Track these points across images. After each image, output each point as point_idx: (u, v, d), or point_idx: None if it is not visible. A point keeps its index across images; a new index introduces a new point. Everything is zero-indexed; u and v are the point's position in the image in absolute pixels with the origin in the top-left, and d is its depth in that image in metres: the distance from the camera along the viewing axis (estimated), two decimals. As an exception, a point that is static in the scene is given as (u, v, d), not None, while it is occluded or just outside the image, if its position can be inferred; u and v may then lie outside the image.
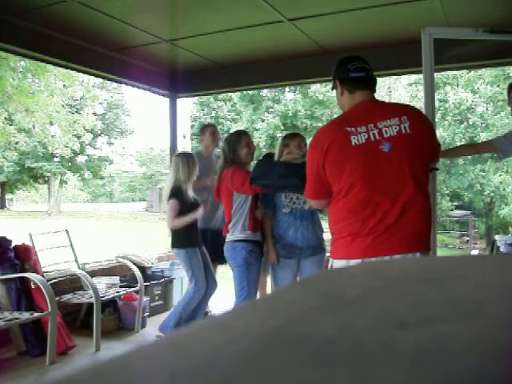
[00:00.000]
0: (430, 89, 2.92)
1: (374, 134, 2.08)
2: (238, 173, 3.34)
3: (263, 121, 19.39)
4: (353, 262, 2.05)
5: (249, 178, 3.20)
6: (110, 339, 3.99)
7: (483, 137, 18.79)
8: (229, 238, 3.44)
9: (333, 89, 2.36)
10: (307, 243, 3.26)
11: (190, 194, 3.93)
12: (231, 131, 3.85)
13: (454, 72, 18.19)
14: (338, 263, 2.16)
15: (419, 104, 18.50)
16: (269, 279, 4.61)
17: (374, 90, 2.29)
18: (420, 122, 2.16)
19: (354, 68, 2.23)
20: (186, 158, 4.02)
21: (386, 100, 21.81)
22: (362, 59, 2.28)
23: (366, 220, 2.06)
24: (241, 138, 3.55)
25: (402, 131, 2.08)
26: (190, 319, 3.90)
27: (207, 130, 4.72)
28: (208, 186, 4.17)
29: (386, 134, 2.07)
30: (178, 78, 5.51)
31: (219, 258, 3.85)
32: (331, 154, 2.10)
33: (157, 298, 4.85)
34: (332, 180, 2.14)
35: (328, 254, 2.78)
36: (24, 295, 3.72)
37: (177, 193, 3.88)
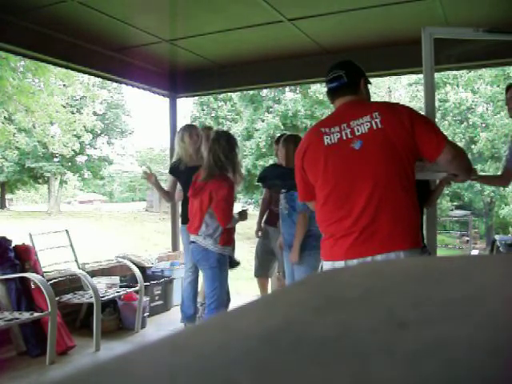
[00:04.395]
0: (430, 89, 2.92)
1: (346, 133, 2.09)
2: (230, 194, 3.32)
3: (263, 121, 19.38)
4: (337, 264, 2.06)
5: (232, 209, 3.36)
6: (109, 339, 4.00)
7: (483, 137, 18.81)
8: (200, 242, 3.40)
9: None
10: (287, 242, 3.60)
11: (188, 166, 3.92)
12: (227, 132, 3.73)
13: (454, 72, 18.19)
14: (326, 264, 2.18)
15: (419, 104, 18.50)
16: (269, 280, 4.62)
17: (357, 92, 2.25)
18: (392, 115, 2.08)
19: (328, 80, 2.26)
20: (184, 130, 4.07)
21: (386, 100, 21.81)
22: (340, 65, 2.27)
23: (343, 220, 2.05)
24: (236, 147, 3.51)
25: (374, 127, 2.04)
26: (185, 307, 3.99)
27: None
28: None
29: (358, 131, 2.07)
30: (178, 78, 5.51)
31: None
32: (307, 156, 2.17)
33: (157, 298, 4.85)
34: (312, 181, 2.19)
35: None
36: (24, 295, 3.72)
37: (172, 169, 4.06)
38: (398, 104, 2.27)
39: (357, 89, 2.26)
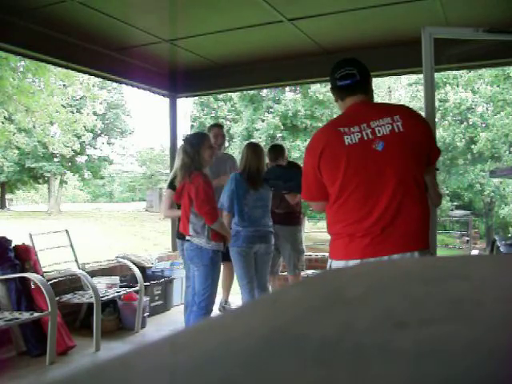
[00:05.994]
0: (430, 89, 2.92)
1: (366, 133, 2.08)
2: (206, 191, 3.28)
3: (263, 121, 19.38)
4: (352, 263, 2.05)
5: (214, 205, 3.33)
6: (109, 339, 3.99)
7: (483, 137, 18.81)
8: (194, 240, 3.38)
9: None
10: None
11: None
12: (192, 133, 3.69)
13: (454, 72, 18.19)
14: (336, 263, 2.17)
15: (419, 104, 18.49)
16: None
17: (367, 91, 2.26)
18: (413, 120, 2.13)
19: (339, 76, 2.22)
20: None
21: (386, 100, 21.80)
22: (351, 63, 2.24)
23: (363, 221, 2.06)
24: (205, 139, 3.50)
25: (395, 130, 2.07)
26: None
27: (212, 131, 4.59)
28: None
29: (379, 133, 2.07)
30: (178, 78, 5.51)
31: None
32: (325, 155, 2.13)
33: (157, 298, 4.85)
34: (328, 181, 2.16)
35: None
36: (24, 295, 3.72)
37: (173, 182, 3.71)
38: (416, 112, 2.30)
39: (368, 87, 2.27)
